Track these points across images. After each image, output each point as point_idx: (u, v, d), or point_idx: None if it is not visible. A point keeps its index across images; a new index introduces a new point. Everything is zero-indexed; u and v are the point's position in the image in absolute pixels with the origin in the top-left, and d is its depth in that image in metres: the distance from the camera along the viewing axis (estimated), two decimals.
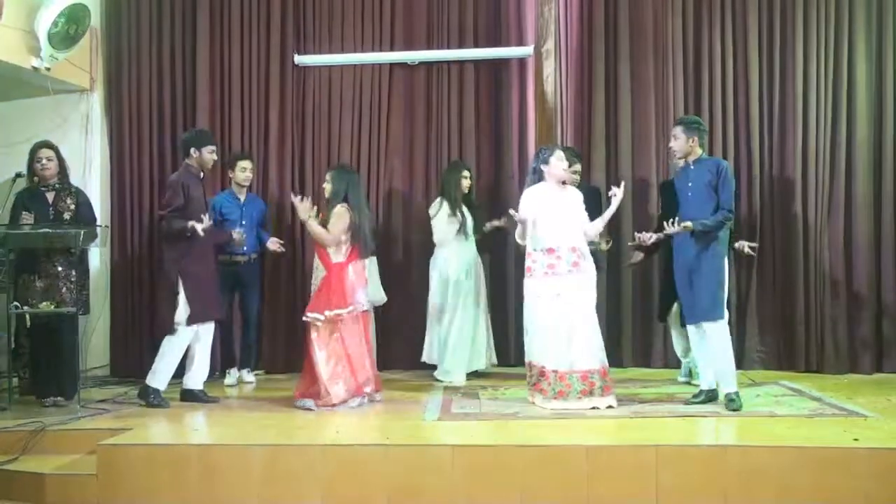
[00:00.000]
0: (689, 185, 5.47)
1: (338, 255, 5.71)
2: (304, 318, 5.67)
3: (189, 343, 5.82)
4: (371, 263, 6.61)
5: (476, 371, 6.75)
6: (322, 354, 5.58)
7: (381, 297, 6.76)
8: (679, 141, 5.51)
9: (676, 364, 6.67)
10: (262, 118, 7.40)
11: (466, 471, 4.43)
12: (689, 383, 6.34)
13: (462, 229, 6.74)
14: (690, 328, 5.58)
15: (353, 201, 5.76)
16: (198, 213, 5.72)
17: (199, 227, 5.61)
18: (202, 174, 5.96)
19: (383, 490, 4.44)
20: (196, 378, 5.92)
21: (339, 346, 5.63)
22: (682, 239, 5.45)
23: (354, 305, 5.67)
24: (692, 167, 5.51)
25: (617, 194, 5.53)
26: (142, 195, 7.33)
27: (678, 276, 5.55)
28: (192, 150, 5.88)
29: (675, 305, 6.06)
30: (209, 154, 5.90)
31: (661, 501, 4.33)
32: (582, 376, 5.41)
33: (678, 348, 6.51)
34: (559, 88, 7.17)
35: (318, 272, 6.15)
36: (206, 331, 5.90)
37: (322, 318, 5.58)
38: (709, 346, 5.43)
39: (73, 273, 5.81)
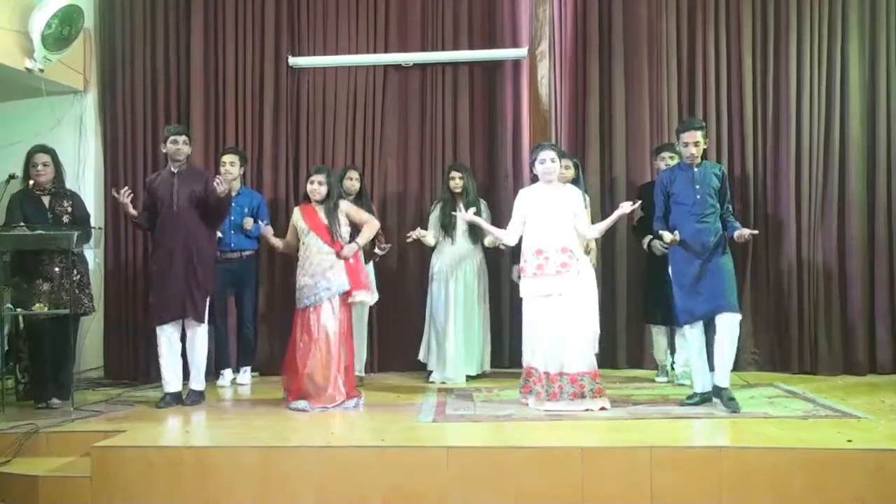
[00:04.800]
0: (697, 187, 5.49)
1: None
2: (350, 301, 5.76)
3: (170, 344, 5.82)
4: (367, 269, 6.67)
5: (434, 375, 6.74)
6: (329, 352, 5.65)
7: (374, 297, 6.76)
8: (700, 146, 5.52)
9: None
10: (256, 120, 7.40)
11: (461, 472, 4.43)
12: (670, 383, 6.43)
13: (447, 231, 6.75)
14: (692, 329, 5.53)
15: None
16: (160, 206, 5.83)
17: (129, 212, 5.84)
18: (175, 167, 5.89)
19: (378, 492, 4.44)
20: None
21: (348, 338, 5.79)
22: (700, 236, 5.45)
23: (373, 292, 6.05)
24: (696, 170, 5.53)
25: (624, 207, 5.54)
26: (136, 197, 7.27)
27: (689, 274, 5.47)
28: (162, 145, 5.99)
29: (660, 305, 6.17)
30: (171, 144, 5.90)
31: (656, 503, 4.33)
32: (571, 379, 5.42)
33: (661, 350, 6.57)
34: (553, 90, 7.17)
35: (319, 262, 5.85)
36: (170, 334, 5.84)
37: (375, 297, 5.96)
38: (726, 339, 5.41)
39: (73, 274, 5.82)
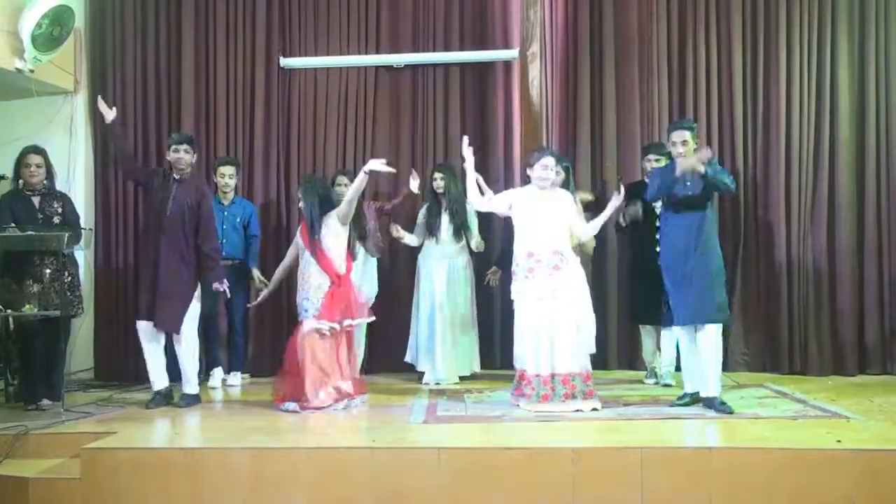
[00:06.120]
0: (687, 183, 5.45)
1: (341, 267, 5.72)
2: (317, 328, 5.58)
3: (149, 340, 5.79)
4: (370, 262, 6.73)
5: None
6: (314, 359, 5.57)
7: (374, 293, 6.80)
8: (689, 145, 5.47)
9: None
10: (247, 121, 7.38)
11: (452, 473, 4.43)
12: (657, 384, 6.45)
13: (432, 231, 6.77)
14: (682, 331, 5.52)
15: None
16: (153, 204, 5.81)
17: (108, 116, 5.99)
18: (178, 175, 5.86)
19: (369, 493, 4.43)
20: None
21: (333, 351, 5.65)
22: (690, 231, 5.40)
23: (366, 315, 5.94)
24: None
25: (615, 201, 5.62)
26: (126, 198, 7.29)
27: (669, 274, 5.48)
28: (167, 153, 5.96)
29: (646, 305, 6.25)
30: (173, 153, 5.87)
31: (647, 503, 4.34)
32: (563, 380, 5.42)
33: (648, 351, 6.61)
34: (545, 91, 7.19)
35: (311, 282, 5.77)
36: (146, 328, 5.79)
37: (337, 327, 5.62)
38: (708, 348, 5.38)
39: (64, 275, 5.80)
